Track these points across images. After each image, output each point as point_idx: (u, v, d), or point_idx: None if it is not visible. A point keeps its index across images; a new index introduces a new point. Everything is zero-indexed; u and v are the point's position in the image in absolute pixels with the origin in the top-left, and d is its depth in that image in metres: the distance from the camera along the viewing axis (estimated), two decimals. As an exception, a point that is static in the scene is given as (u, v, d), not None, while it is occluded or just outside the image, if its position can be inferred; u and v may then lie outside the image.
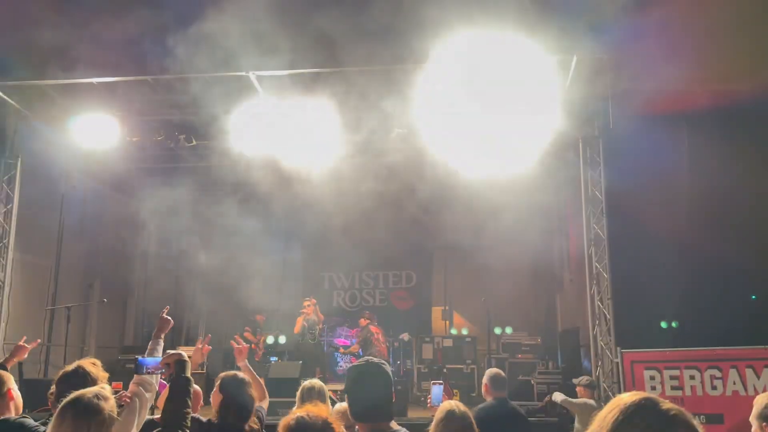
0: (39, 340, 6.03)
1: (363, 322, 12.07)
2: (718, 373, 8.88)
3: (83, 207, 12.29)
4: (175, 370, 3.06)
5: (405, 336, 13.19)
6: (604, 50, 8.97)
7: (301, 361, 10.98)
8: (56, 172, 11.58)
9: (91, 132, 10.31)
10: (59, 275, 11.45)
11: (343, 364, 12.55)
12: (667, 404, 1.61)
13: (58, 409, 2.65)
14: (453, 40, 7.97)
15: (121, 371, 10.77)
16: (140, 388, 3.27)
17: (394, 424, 2.79)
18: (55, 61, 9.18)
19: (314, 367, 11.06)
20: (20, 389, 3.80)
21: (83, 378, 3.31)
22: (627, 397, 1.65)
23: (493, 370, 5.78)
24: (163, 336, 3.70)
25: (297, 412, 2.56)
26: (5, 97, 10.10)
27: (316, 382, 4.81)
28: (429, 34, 7.93)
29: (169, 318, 3.81)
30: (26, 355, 5.39)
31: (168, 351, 3.21)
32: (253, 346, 12.32)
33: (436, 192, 13.74)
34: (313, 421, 2.45)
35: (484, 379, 5.66)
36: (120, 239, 13.47)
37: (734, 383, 8.84)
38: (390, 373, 2.90)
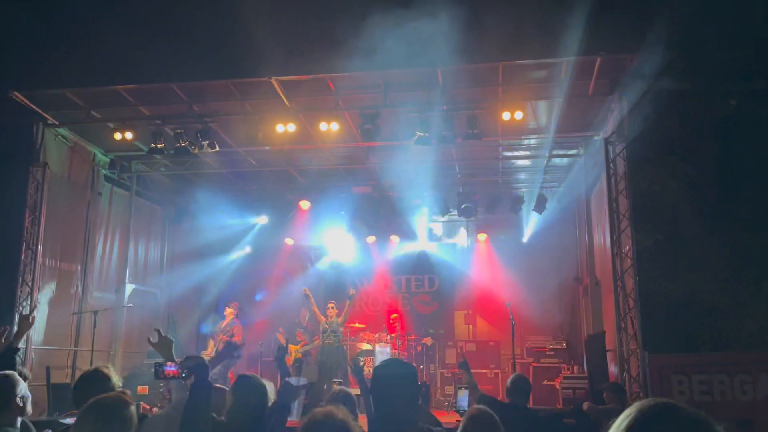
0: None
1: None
2: (748, 378, 8.69)
3: (109, 213, 12.43)
4: (196, 374, 3.06)
5: (428, 340, 13.13)
6: (629, 50, 8.88)
7: (317, 367, 10.93)
8: (82, 179, 11.74)
9: (116, 138, 10.43)
10: (86, 280, 11.58)
11: (366, 368, 12.52)
12: (689, 409, 1.52)
13: (80, 412, 2.65)
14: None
15: (147, 376, 10.87)
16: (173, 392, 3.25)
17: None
18: (81, 69, 9.31)
19: (336, 371, 11.03)
20: (47, 394, 3.81)
21: (102, 380, 3.31)
22: (644, 403, 1.56)
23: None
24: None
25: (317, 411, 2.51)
26: (31, 104, 10.26)
27: (342, 388, 4.82)
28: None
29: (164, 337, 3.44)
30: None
31: (188, 355, 3.21)
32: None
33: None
34: (331, 419, 2.41)
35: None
36: (146, 244, 13.61)
37: (765, 388, 8.65)
38: (415, 373, 2.81)
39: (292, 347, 12.05)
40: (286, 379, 4.04)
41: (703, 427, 1.48)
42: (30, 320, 4.80)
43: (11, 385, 3.39)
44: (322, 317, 11.55)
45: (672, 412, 1.51)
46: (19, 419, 3.40)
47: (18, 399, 3.35)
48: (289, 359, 11.93)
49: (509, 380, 5.58)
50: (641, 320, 9.01)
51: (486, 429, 3.68)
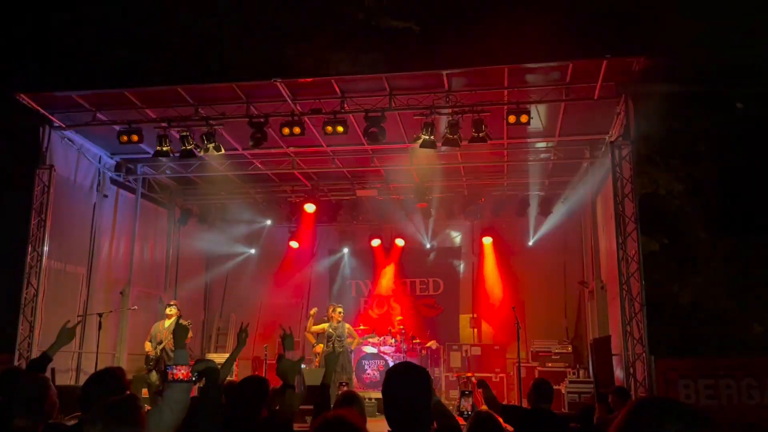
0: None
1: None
2: (754, 383, 8.67)
3: (115, 215, 12.44)
4: (206, 378, 3.04)
5: (432, 344, 13.10)
6: (635, 53, 8.87)
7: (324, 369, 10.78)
8: (88, 181, 11.75)
9: (122, 141, 10.44)
10: (91, 283, 11.59)
11: (371, 371, 12.48)
12: (681, 403, 1.53)
13: (91, 413, 2.62)
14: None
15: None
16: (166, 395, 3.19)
17: None
18: (87, 72, 9.34)
19: (341, 376, 10.97)
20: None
21: (113, 382, 3.27)
22: (639, 399, 1.57)
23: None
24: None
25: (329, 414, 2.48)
26: (38, 107, 10.28)
27: (348, 390, 4.81)
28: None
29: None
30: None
31: (198, 359, 3.19)
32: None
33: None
34: (343, 422, 2.40)
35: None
36: (151, 247, 13.62)
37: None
38: (429, 377, 2.73)
39: (321, 347, 11.79)
40: (283, 353, 3.91)
41: (696, 419, 1.48)
42: (72, 333, 4.46)
43: (46, 387, 3.27)
44: (324, 327, 11.46)
45: (665, 406, 1.52)
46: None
47: (48, 404, 3.23)
48: (317, 360, 11.62)
49: (532, 385, 5.57)
50: (647, 324, 8.98)
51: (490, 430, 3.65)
